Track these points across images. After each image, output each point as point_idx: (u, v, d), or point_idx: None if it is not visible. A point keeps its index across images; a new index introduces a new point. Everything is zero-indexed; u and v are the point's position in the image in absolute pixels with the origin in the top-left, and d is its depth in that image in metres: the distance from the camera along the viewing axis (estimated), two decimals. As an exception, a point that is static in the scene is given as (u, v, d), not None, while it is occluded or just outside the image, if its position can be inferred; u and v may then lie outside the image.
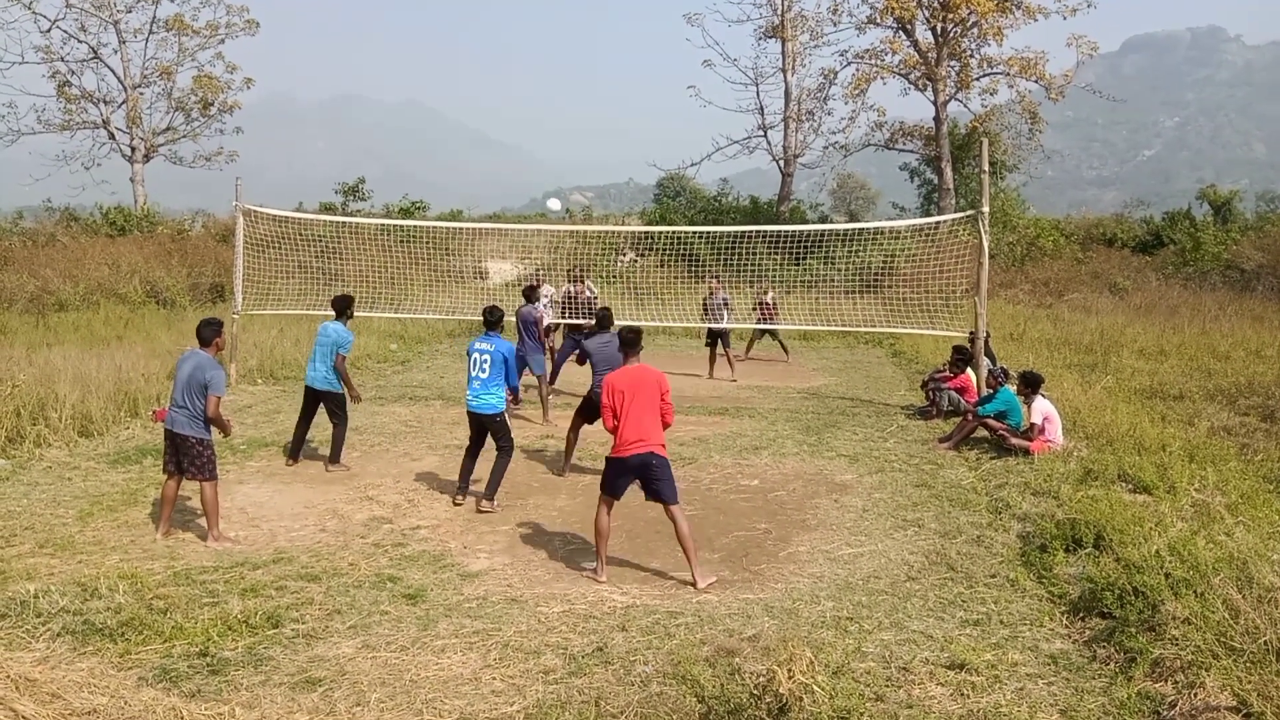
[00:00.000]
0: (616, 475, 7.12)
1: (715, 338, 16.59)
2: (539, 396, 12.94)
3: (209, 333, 7.93)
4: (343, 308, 10.39)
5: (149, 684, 5.29)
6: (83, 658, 5.59)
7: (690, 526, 7.16)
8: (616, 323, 10.51)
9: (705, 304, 16.63)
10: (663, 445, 7.11)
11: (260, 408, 13.25)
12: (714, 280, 16.89)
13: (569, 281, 15.94)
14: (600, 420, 10.10)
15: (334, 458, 10.18)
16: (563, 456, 10.37)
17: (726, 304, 16.41)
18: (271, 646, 5.84)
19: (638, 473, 7.04)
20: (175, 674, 5.43)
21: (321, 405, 10.23)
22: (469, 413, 9.00)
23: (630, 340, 7.37)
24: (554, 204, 16.10)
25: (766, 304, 17.55)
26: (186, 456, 7.79)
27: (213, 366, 7.79)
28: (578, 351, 10.47)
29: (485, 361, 8.85)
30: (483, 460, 9.10)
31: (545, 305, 16.15)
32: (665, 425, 7.17)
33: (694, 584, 6.98)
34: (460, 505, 8.89)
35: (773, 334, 18.38)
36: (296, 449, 10.36)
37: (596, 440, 11.16)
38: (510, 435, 9.07)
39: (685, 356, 18.90)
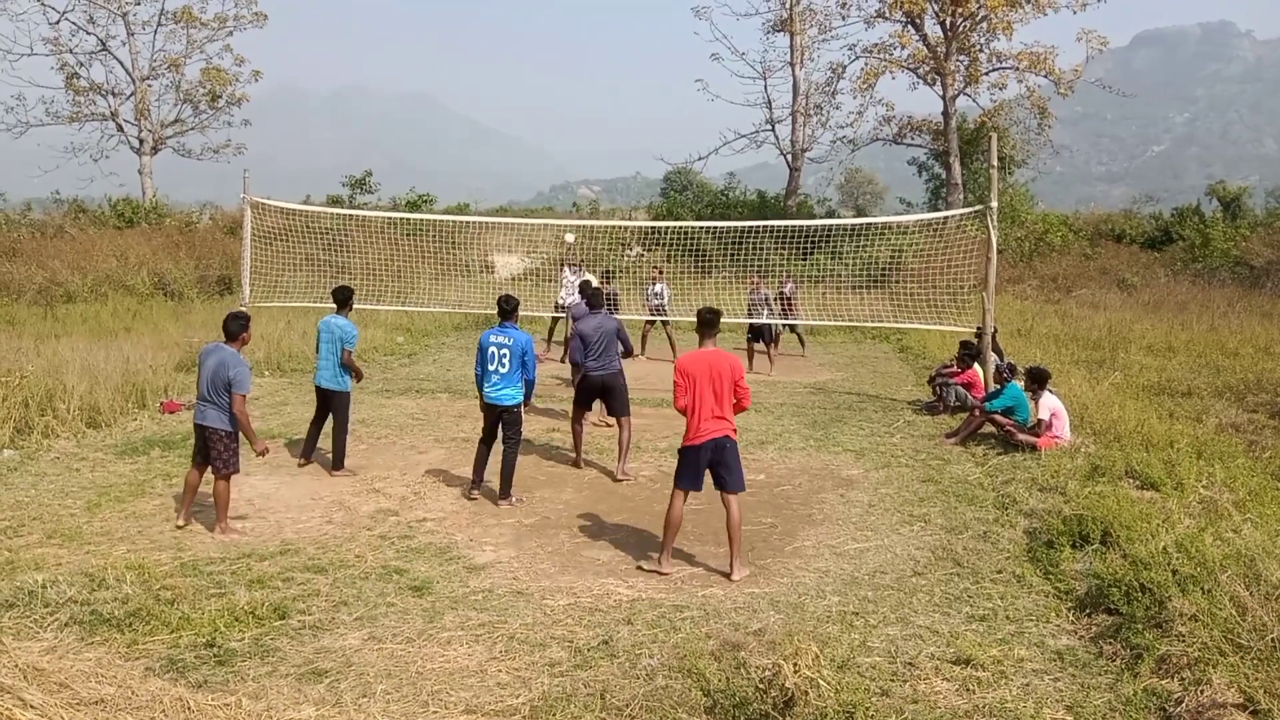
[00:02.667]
0: (691, 465, 7.05)
1: (756, 334, 16.60)
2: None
3: (235, 327, 7.83)
4: (344, 299, 9.96)
5: (156, 674, 5.31)
6: (90, 648, 5.61)
7: (742, 519, 7.12)
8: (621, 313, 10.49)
9: (750, 301, 16.66)
10: (734, 430, 7.09)
11: (267, 399, 13.27)
12: (755, 276, 16.93)
13: (569, 272, 16.11)
14: (606, 407, 10.13)
15: (336, 464, 9.72)
16: (574, 450, 10.27)
17: (767, 301, 16.42)
18: (278, 638, 5.86)
19: (710, 457, 7.01)
20: (182, 664, 5.45)
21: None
22: (486, 403, 8.91)
23: (709, 321, 7.26)
24: (570, 237, 16.31)
25: (785, 296, 17.50)
26: (214, 450, 7.77)
27: (237, 363, 7.65)
28: (581, 343, 10.01)
29: (504, 356, 8.69)
30: (494, 455, 9.11)
31: (569, 290, 16.13)
32: (740, 409, 7.11)
33: (729, 574, 7.00)
34: (474, 500, 8.87)
35: (791, 328, 18.36)
36: (309, 449, 10.10)
37: (601, 434, 11.19)
38: (520, 429, 9.02)
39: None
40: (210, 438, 7.76)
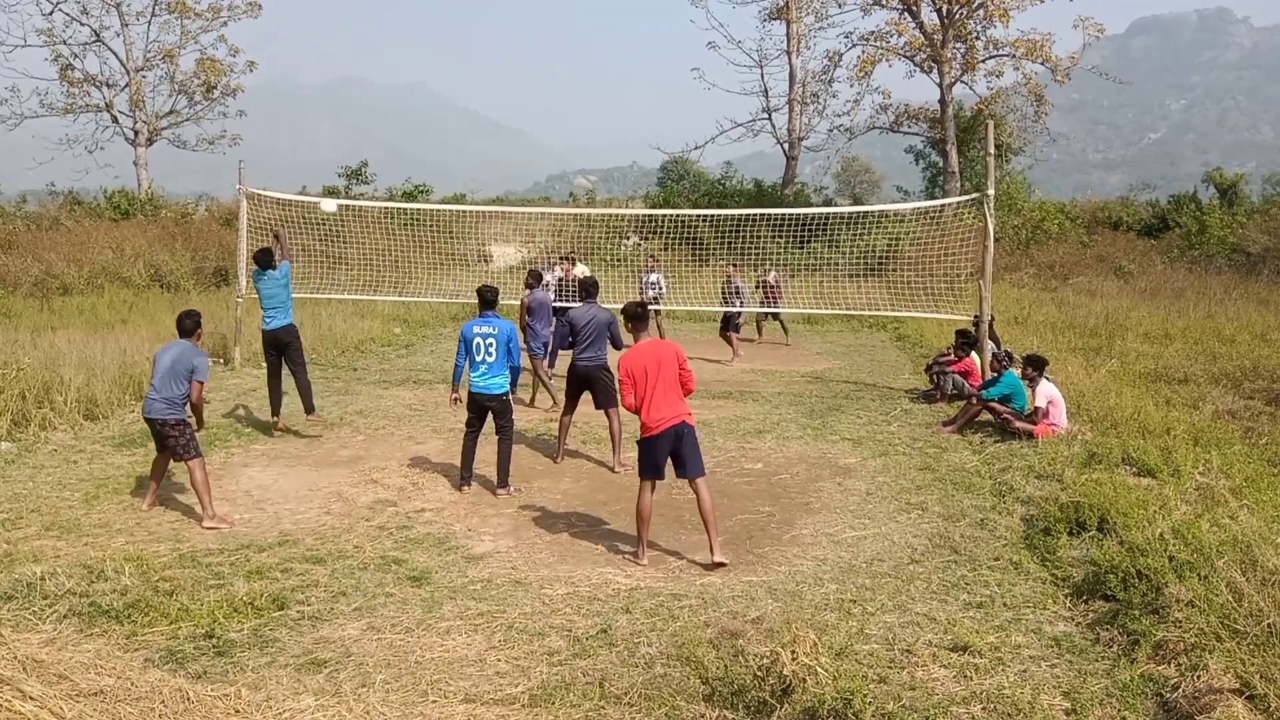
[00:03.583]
0: (651, 455, 7.03)
1: (726, 322, 16.72)
2: (534, 380, 12.78)
3: (190, 323, 8.18)
4: (269, 259, 11.00)
5: (155, 665, 5.32)
6: (89, 639, 5.62)
7: (713, 500, 7.13)
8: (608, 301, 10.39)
9: (723, 290, 16.83)
10: (690, 414, 7.06)
11: (264, 390, 13.23)
12: (730, 267, 17.14)
13: (564, 263, 16.07)
14: (593, 400, 10.07)
15: (308, 407, 10.77)
16: (585, 445, 10.20)
17: (739, 292, 16.49)
18: (277, 628, 5.87)
19: (670, 445, 6.98)
20: (181, 655, 5.46)
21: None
22: (471, 394, 8.93)
23: (637, 315, 7.25)
24: (328, 204, 16.31)
25: (769, 284, 17.55)
26: (170, 438, 7.93)
27: (197, 354, 8.01)
28: (570, 329, 10.05)
29: (491, 345, 8.71)
30: (484, 446, 9.10)
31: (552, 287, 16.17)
32: (687, 392, 7.10)
33: (710, 558, 6.97)
34: (466, 492, 8.88)
35: (775, 315, 18.42)
36: (277, 406, 10.99)
37: (599, 424, 11.15)
38: (511, 416, 9.02)
39: (688, 340, 18.88)
40: (163, 428, 7.94)
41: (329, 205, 16.19)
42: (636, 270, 19.86)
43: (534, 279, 12.90)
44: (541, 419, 11.87)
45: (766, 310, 17.89)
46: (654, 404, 6.93)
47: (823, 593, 6.51)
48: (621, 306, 7.51)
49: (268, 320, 10.90)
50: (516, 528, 7.95)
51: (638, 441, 7.17)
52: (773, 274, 17.81)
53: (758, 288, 17.71)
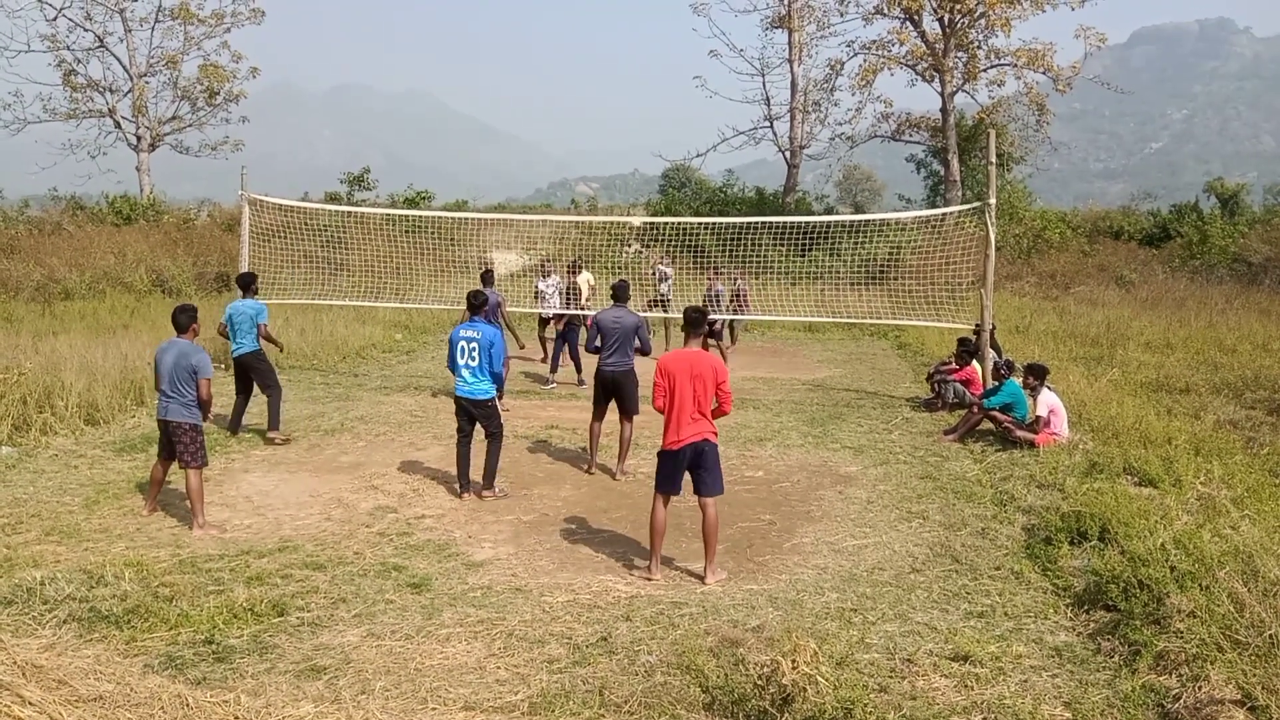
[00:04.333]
0: (670, 469, 6.93)
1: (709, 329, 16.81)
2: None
3: (185, 319, 8.09)
4: (248, 284, 11.32)
5: (155, 671, 5.31)
6: (89, 644, 5.61)
7: (718, 522, 7.02)
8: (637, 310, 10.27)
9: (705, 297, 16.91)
10: (714, 433, 6.95)
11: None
12: (712, 273, 17.31)
13: (569, 272, 16.10)
14: (618, 406, 9.99)
15: (273, 425, 10.79)
16: (589, 451, 10.12)
17: (719, 298, 16.52)
18: (277, 634, 5.86)
19: (690, 462, 6.90)
20: (181, 661, 5.45)
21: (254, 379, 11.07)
22: (457, 399, 8.95)
23: (693, 320, 7.11)
24: (636, 220, 16.49)
25: (739, 293, 17.62)
26: (180, 443, 7.88)
27: (197, 351, 7.95)
28: (598, 333, 9.86)
29: (473, 349, 8.74)
30: (480, 453, 9.08)
31: (551, 293, 16.20)
32: (721, 413, 6.98)
33: (703, 577, 6.91)
34: (466, 499, 8.86)
35: (731, 323, 18.55)
36: (236, 422, 11.10)
37: (604, 432, 11.15)
38: (499, 421, 9.00)
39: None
40: (175, 432, 7.89)
41: (636, 221, 16.50)
42: (637, 278, 19.87)
43: (485, 279, 12.95)
44: (542, 425, 11.87)
45: (730, 318, 17.97)
46: (679, 418, 6.82)
47: (823, 601, 6.50)
48: (683, 310, 7.35)
49: (236, 346, 11.02)
50: (517, 534, 7.94)
51: (658, 453, 7.12)
52: (739, 282, 17.90)
53: (734, 297, 17.75)
